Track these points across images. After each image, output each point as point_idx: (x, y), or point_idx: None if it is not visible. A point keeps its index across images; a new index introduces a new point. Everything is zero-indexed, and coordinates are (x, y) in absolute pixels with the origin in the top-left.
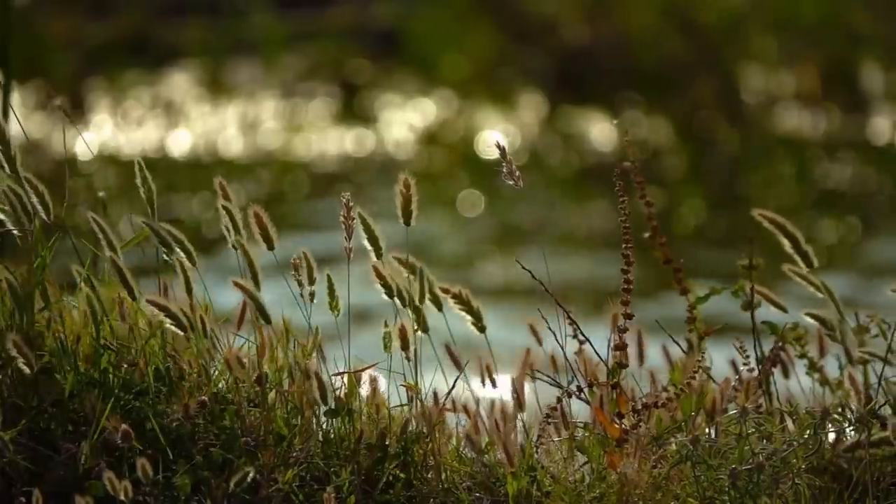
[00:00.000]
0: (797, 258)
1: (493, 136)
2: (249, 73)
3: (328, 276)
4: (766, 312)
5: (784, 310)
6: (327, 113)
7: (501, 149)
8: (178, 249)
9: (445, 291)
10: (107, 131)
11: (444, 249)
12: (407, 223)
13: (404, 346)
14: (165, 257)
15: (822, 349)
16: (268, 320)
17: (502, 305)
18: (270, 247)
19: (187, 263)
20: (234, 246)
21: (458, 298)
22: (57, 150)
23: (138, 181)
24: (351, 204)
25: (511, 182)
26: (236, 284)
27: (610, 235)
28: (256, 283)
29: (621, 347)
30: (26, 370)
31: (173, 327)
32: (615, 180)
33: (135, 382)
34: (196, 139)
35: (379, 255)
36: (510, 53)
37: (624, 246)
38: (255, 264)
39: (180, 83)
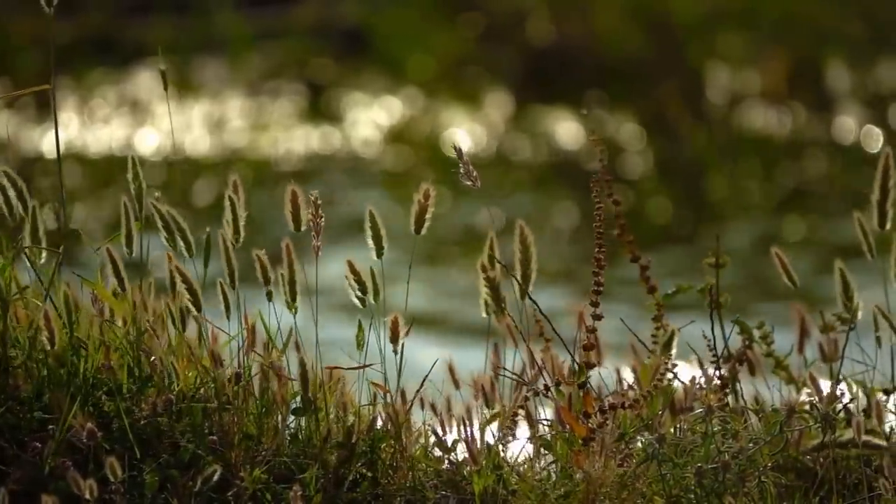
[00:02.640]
0: (875, 212)
1: (458, 134)
2: (215, 72)
3: (282, 275)
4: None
5: (794, 283)
6: (293, 111)
7: (458, 150)
8: (178, 239)
9: (483, 269)
10: (73, 130)
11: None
12: (418, 231)
13: (394, 339)
14: (166, 244)
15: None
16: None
17: (469, 301)
18: (297, 228)
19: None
20: (231, 243)
21: (488, 281)
22: (25, 149)
23: (129, 176)
24: (319, 202)
25: (469, 183)
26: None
27: (576, 233)
28: (233, 282)
29: (590, 348)
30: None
31: (189, 303)
32: (591, 184)
33: (105, 381)
34: (162, 138)
35: (380, 255)
36: (477, 52)
37: (597, 250)
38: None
39: (146, 82)
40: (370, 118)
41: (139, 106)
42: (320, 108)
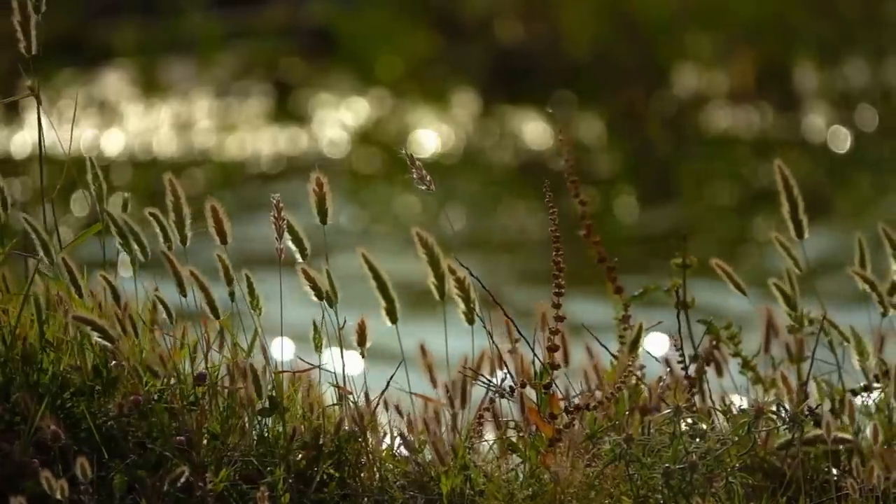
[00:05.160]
0: (790, 225)
1: (426, 135)
2: (183, 73)
3: (247, 275)
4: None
5: (743, 292)
6: (261, 112)
7: (410, 157)
8: (132, 242)
9: (451, 272)
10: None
11: (382, 245)
12: (323, 222)
13: (361, 342)
14: (121, 248)
15: (768, 337)
16: (217, 315)
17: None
18: (224, 241)
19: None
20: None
21: (459, 284)
22: None
23: (89, 177)
24: (281, 205)
25: (423, 187)
26: (192, 274)
27: (544, 233)
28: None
29: (554, 349)
30: None
31: (102, 340)
32: (544, 189)
33: (73, 381)
34: (130, 138)
35: (304, 257)
36: (444, 52)
37: (554, 253)
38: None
39: (114, 83)
40: (338, 118)
41: (107, 107)
42: (288, 109)
